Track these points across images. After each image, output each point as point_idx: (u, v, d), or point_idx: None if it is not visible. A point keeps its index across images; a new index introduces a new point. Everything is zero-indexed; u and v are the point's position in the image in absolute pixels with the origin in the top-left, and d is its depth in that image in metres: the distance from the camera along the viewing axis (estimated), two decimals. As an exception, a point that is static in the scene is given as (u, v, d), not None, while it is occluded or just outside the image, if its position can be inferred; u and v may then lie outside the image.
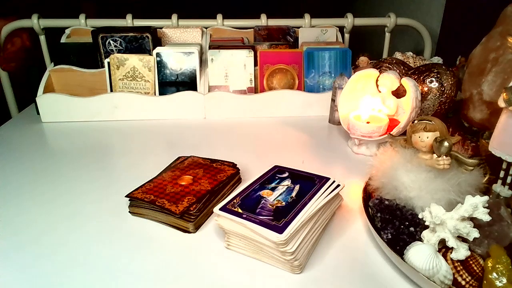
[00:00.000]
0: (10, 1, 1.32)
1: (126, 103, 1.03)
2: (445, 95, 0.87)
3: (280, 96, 1.06)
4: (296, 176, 0.63)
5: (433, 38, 1.34)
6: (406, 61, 1.02)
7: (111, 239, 0.57)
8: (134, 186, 0.65)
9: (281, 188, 0.59)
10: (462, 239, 0.49)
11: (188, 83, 1.07)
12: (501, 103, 0.53)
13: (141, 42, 1.08)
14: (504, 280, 0.44)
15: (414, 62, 1.04)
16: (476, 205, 0.47)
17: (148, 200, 0.60)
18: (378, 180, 0.60)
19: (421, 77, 0.89)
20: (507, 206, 0.51)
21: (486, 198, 0.48)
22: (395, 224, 0.54)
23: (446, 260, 0.48)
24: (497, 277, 0.44)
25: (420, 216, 0.53)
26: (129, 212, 0.63)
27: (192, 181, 0.65)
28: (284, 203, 0.55)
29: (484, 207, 0.47)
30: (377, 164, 0.61)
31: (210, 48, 1.09)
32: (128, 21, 1.22)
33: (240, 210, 0.54)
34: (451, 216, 0.48)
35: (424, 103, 0.88)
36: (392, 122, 0.83)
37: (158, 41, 1.13)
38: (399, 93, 0.84)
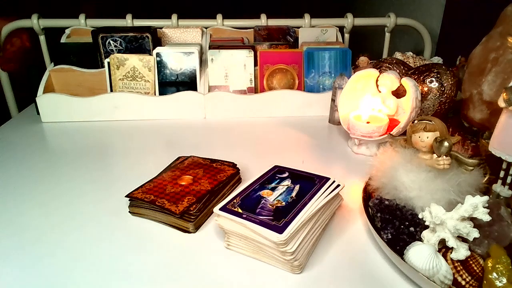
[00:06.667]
0: (11, 1, 1.32)
1: (126, 103, 1.03)
2: (445, 95, 0.87)
3: (280, 96, 1.06)
4: (296, 176, 0.63)
5: (433, 38, 1.34)
6: (406, 61, 1.02)
7: (111, 239, 0.57)
8: (134, 186, 0.65)
9: (281, 188, 0.59)
10: (462, 239, 0.49)
11: (188, 83, 1.07)
12: (501, 103, 0.53)
13: (141, 42, 1.08)
14: (504, 280, 0.44)
15: (414, 62, 1.04)
16: (476, 205, 0.47)
17: (148, 200, 0.60)
18: (378, 180, 0.60)
19: (421, 77, 0.89)
20: (507, 206, 0.51)
21: (486, 198, 0.48)
22: (395, 224, 0.54)
23: (446, 260, 0.48)
24: (497, 277, 0.44)
25: (420, 216, 0.53)
26: (129, 212, 0.63)
27: (192, 181, 0.65)
28: (284, 203, 0.55)
29: (484, 207, 0.47)
30: (377, 164, 0.61)
31: (210, 48, 1.09)
32: (128, 21, 1.22)
33: (240, 210, 0.54)
34: (451, 216, 0.48)
35: (424, 103, 0.88)
36: (392, 122, 0.83)
37: (158, 41, 1.13)
38: (399, 93, 0.84)
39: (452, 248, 0.48)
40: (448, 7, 1.29)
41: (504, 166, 0.56)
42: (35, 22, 1.19)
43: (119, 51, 1.08)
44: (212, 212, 0.56)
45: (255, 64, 1.08)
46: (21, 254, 0.54)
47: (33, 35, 1.24)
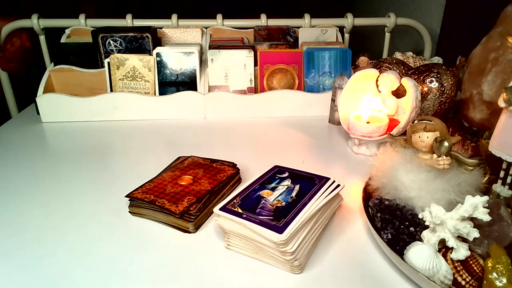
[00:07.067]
0: (10, 1, 1.32)
1: (126, 103, 1.03)
2: (445, 95, 0.87)
3: (280, 96, 1.06)
4: (296, 176, 0.63)
5: (433, 38, 1.34)
6: (406, 61, 1.02)
7: (111, 239, 0.57)
8: (134, 186, 0.65)
9: (281, 188, 0.59)
10: (462, 239, 0.49)
11: (188, 83, 1.07)
12: (501, 103, 0.53)
13: (141, 42, 1.08)
14: (504, 280, 0.44)
15: (414, 62, 1.04)
16: (476, 205, 0.47)
17: (148, 200, 0.60)
18: (378, 180, 0.59)
19: (421, 77, 0.89)
20: (507, 206, 0.51)
21: (486, 198, 0.48)
22: (395, 224, 0.54)
23: (446, 260, 0.48)
24: (497, 277, 0.44)
25: (420, 216, 0.53)
26: (129, 212, 0.63)
27: (192, 181, 0.65)
28: (284, 203, 0.55)
29: (484, 207, 0.47)
30: (377, 164, 0.61)
31: (210, 48, 1.09)
32: (128, 21, 1.22)
33: (240, 210, 0.54)
34: (451, 216, 0.48)
35: (424, 103, 0.88)
36: (392, 122, 0.83)
37: (158, 41, 1.13)
38: (399, 93, 0.84)
39: (452, 248, 0.48)
40: (448, 7, 1.29)
41: (504, 166, 0.56)
42: (35, 22, 1.19)
43: (119, 51, 1.08)
44: (212, 212, 0.56)
45: (255, 64, 1.08)
46: (21, 254, 0.54)
47: (33, 35, 1.24)
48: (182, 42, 1.18)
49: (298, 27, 1.23)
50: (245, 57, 1.06)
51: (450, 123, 0.86)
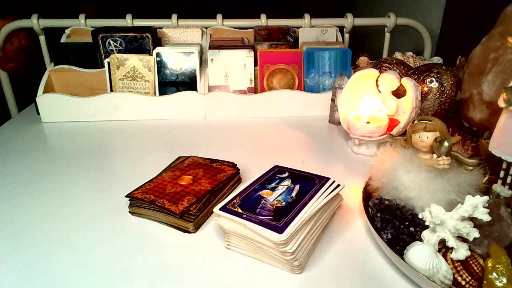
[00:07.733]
0: (10, 1, 1.33)
1: (126, 103, 1.03)
2: (445, 95, 0.87)
3: (280, 96, 1.06)
4: (296, 176, 0.63)
5: (433, 38, 1.34)
6: (406, 61, 1.02)
7: (111, 239, 0.57)
8: (134, 186, 0.65)
9: (281, 188, 0.59)
10: (462, 239, 0.49)
11: (188, 83, 1.07)
12: (501, 103, 0.53)
13: (141, 42, 1.08)
14: (504, 280, 0.44)
15: (414, 62, 1.04)
16: (476, 205, 0.47)
17: (148, 200, 0.60)
18: (378, 180, 0.59)
19: (421, 77, 0.89)
20: (507, 206, 0.51)
21: (486, 198, 0.48)
22: (395, 224, 0.54)
23: (446, 260, 0.48)
24: (497, 277, 0.44)
25: (420, 216, 0.53)
26: (129, 212, 0.63)
27: (192, 181, 0.65)
28: (284, 203, 0.55)
29: (484, 207, 0.47)
30: (377, 164, 0.61)
31: (210, 48, 1.09)
32: (128, 21, 1.22)
33: (240, 210, 0.54)
34: (451, 216, 0.48)
35: (424, 103, 0.88)
36: (392, 122, 0.83)
37: (158, 41, 1.13)
38: (399, 93, 0.84)
39: (452, 248, 0.48)
40: (448, 7, 1.29)
41: (504, 166, 0.56)
42: (35, 22, 1.19)
43: (119, 51, 1.08)
44: (212, 212, 0.56)
45: (255, 64, 1.08)
46: (21, 254, 0.54)
47: (33, 35, 1.24)
48: (182, 42, 1.18)
49: (298, 27, 1.23)
50: (245, 57, 1.06)
51: (450, 123, 0.86)
